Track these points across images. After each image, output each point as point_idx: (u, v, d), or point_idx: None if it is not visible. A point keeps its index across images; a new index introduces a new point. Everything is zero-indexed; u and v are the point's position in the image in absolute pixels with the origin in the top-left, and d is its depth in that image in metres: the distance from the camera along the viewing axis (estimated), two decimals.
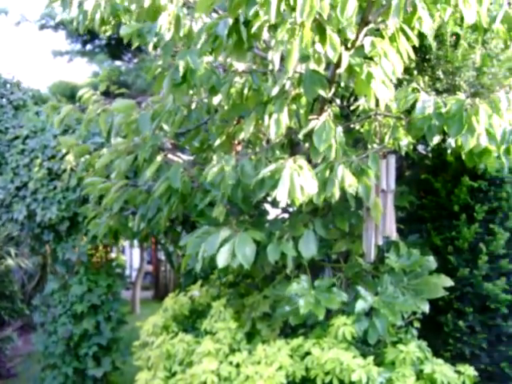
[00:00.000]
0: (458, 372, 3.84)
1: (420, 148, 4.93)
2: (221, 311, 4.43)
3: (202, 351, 4.04)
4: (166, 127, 4.37)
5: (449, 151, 4.21)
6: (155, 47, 3.87)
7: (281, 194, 3.26)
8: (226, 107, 4.09)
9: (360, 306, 3.94)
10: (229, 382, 3.82)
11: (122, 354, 6.76)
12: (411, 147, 4.29)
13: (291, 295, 3.93)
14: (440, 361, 3.87)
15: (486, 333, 4.47)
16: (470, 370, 3.86)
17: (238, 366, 3.90)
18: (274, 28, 3.23)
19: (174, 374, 4.19)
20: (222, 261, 3.61)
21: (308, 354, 3.82)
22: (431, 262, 4.24)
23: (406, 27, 3.33)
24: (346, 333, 3.83)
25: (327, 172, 3.64)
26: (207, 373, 3.82)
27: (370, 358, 3.71)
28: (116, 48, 13.43)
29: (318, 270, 4.46)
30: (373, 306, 3.96)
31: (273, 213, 4.74)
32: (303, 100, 3.84)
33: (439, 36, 3.91)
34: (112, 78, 5.86)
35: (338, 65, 3.42)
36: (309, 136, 3.72)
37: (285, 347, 3.86)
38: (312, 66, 3.51)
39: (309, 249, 4.02)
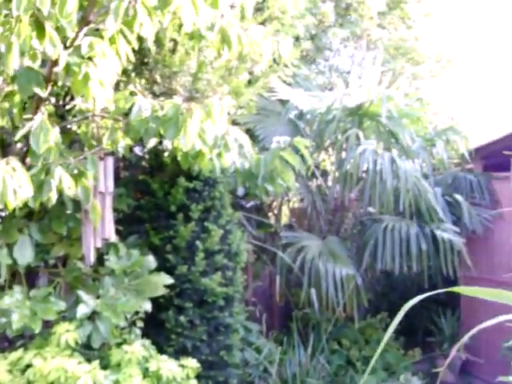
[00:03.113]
0: (182, 365, 4.16)
1: (137, 150, 5.16)
2: None
3: None
4: None
5: (165, 153, 4.51)
6: None
7: None
8: None
9: (81, 310, 4.01)
10: None
11: None
12: (128, 149, 4.49)
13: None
14: (164, 357, 4.14)
15: (206, 325, 4.89)
16: (192, 362, 4.21)
17: None
18: None
19: None
20: None
21: (29, 366, 3.75)
22: (151, 261, 4.52)
23: (126, 30, 3.49)
24: (69, 339, 3.86)
25: (43, 174, 3.62)
26: None
27: (96, 362, 3.80)
28: None
29: (34, 276, 4.38)
30: (95, 310, 4.05)
31: None
32: (17, 98, 3.75)
33: (158, 40, 4.18)
34: None
35: (55, 63, 3.43)
36: (24, 137, 3.64)
37: (2, 362, 3.73)
38: (26, 62, 3.45)
39: (24, 255, 3.95)
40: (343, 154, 7.29)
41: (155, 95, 4.26)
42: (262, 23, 5.22)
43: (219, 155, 4.16)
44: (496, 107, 11.44)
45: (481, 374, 7.14)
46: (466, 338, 1.87)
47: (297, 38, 7.18)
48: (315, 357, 6.30)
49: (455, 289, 1.74)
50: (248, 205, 7.03)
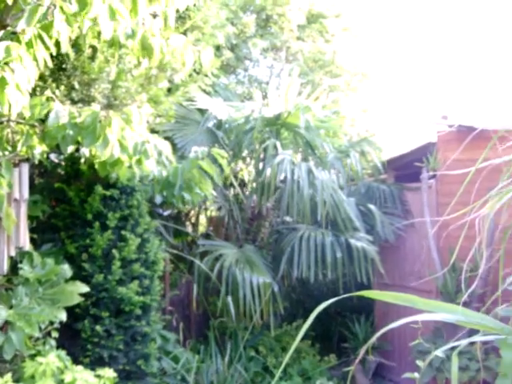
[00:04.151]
0: (98, 376, 4.14)
1: (53, 156, 5.10)
2: None
3: None
4: None
5: (82, 160, 4.49)
6: None
7: None
8: None
9: None
10: None
11: None
12: (44, 155, 4.44)
13: None
14: (80, 368, 4.12)
15: (122, 334, 4.89)
16: (109, 373, 4.21)
17: None
18: None
19: None
20: None
21: None
22: (66, 270, 4.48)
23: (44, 34, 3.48)
24: None
25: None
26: None
27: (8, 376, 3.73)
28: None
29: None
30: (7, 320, 3.98)
31: None
32: None
33: (77, 46, 4.17)
34: None
35: None
36: None
37: None
38: None
39: None
40: (261, 164, 7.46)
41: (73, 102, 4.25)
42: (184, 33, 5.29)
43: (139, 163, 4.19)
44: (410, 120, 11.99)
45: (393, 377, 7.45)
46: (374, 339, 2.01)
47: (217, 48, 7.30)
48: (232, 364, 6.39)
49: (364, 293, 1.88)
50: (165, 213, 7.06)
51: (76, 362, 4.30)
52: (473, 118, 6.88)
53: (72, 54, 4.16)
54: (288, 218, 7.69)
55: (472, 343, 3.15)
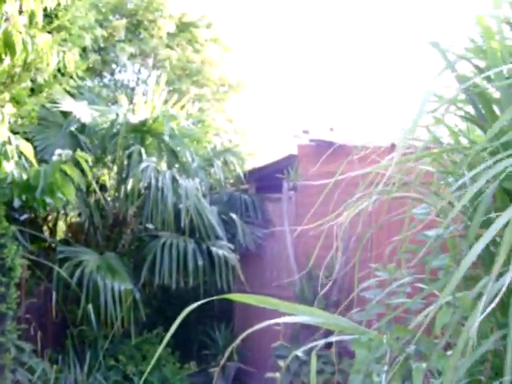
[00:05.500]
0: None
1: None
2: None
3: None
4: None
5: None
6: None
7: None
8: None
9: None
10: None
11: None
12: None
13: None
14: None
15: None
16: None
17: None
18: None
19: None
20: None
21: None
22: None
23: None
24: None
25: None
26: None
27: None
28: None
29: None
30: None
31: None
32: None
33: None
34: None
35: None
36: None
37: None
38: None
39: None
40: (125, 171, 7.41)
41: None
42: (50, 32, 5.17)
43: None
44: (274, 132, 12.36)
45: (253, 382, 7.67)
46: (234, 344, 2.12)
47: (84, 49, 7.16)
48: (92, 374, 6.28)
49: (229, 296, 1.99)
50: (22, 217, 6.79)
51: None
52: (333, 133, 7.30)
53: None
54: (150, 225, 7.69)
55: (327, 347, 3.37)
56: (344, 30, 17.41)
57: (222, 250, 7.29)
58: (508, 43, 1.97)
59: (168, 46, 9.80)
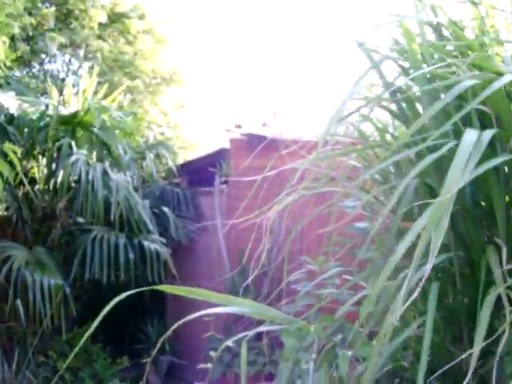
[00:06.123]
0: None
1: None
2: None
3: None
4: None
5: None
6: None
7: None
8: None
9: None
10: None
11: None
12: None
13: None
14: None
15: None
16: None
17: None
18: None
19: None
20: None
21: None
22: None
23: None
24: None
25: None
26: None
27: None
28: None
29: None
30: None
31: None
32: None
33: None
34: None
35: None
36: None
37: None
38: None
39: None
40: (54, 163, 7.26)
41: None
42: None
43: None
44: (207, 125, 12.37)
45: (186, 375, 7.68)
46: (165, 337, 2.16)
47: (12, 38, 6.96)
48: (21, 371, 6.15)
49: (160, 287, 2.03)
50: None
51: None
52: (266, 128, 7.38)
53: None
54: (81, 219, 7.58)
55: (259, 339, 3.45)
56: (276, 27, 17.54)
57: (154, 244, 7.26)
58: (429, 45, 2.07)
59: (100, 37, 9.65)
